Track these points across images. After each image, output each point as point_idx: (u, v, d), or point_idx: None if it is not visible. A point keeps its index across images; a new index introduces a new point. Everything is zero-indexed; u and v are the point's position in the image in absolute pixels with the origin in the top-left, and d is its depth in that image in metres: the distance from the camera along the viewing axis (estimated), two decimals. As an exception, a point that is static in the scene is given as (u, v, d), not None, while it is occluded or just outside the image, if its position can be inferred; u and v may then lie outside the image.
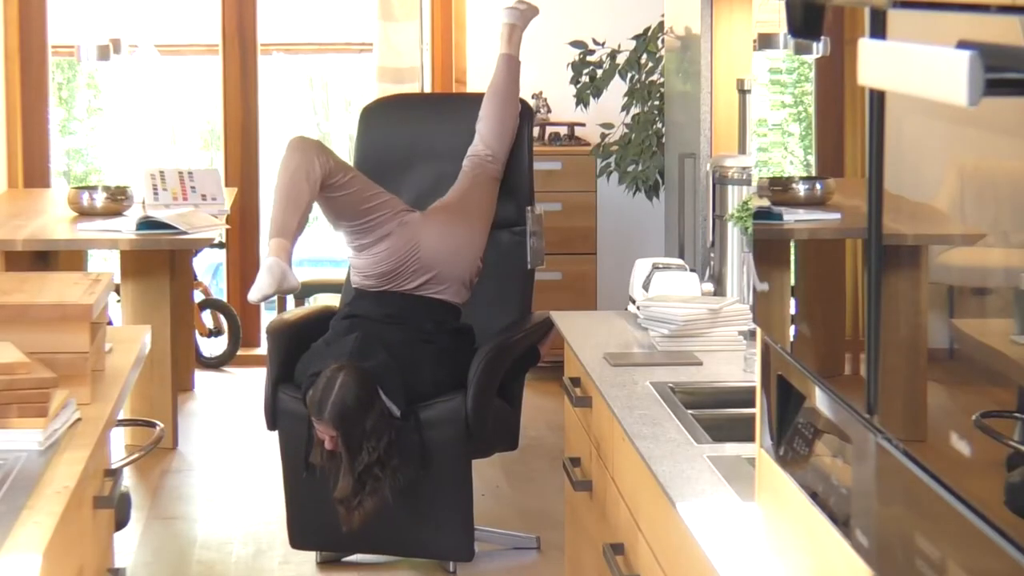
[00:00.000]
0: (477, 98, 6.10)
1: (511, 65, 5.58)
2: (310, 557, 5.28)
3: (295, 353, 5.12)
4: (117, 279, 6.57)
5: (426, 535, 5.05)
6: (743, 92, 4.98)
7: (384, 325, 5.03)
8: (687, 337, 3.97)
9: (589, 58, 7.19)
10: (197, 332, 7.94)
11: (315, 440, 4.85)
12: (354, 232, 5.12)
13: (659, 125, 6.70)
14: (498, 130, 5.41)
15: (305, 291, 8.12)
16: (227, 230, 7.45)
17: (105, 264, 8.80)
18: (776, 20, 2.38)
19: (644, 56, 6.94)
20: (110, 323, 4.27)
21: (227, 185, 7.79)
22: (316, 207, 5.12)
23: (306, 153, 5.00)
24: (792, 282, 2.41)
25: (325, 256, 10.20)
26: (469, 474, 5.06)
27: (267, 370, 5.19)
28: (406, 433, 4.87)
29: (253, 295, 4.88)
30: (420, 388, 4.94)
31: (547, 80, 7.96)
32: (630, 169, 6.90)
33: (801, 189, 2.36)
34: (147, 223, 6.32)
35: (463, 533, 5.06)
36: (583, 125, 7.83)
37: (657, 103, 6.74)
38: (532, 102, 7.79)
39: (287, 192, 4.96)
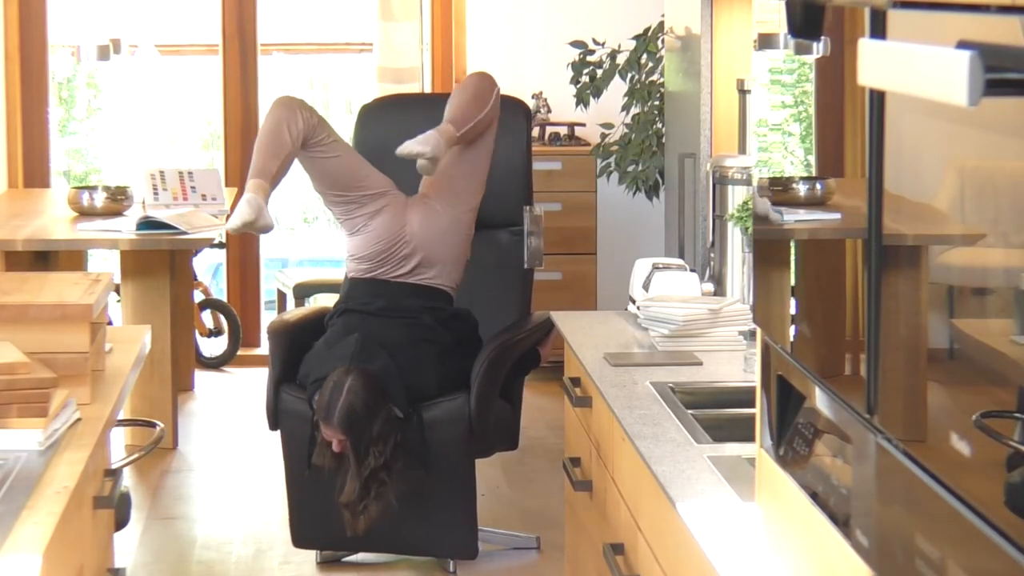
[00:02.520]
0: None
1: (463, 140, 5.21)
2: (310, 557, 5.28)
3: (296, 353, 5.12)
4: (117, 279, 6.57)
5: (430, 534, 5.05)
6: (743, 92, 4.98)
7: (382, 321, 5.02)
8: (687, 337, 3.97)
9: (589, 58, 7.19)
10: (197, 332, 7.94)
11: (320, 441, 4.84)
12: (345, 205, 5.09)
13: (659, 125, 6.70)
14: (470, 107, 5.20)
15: (305, 291, 8.13)
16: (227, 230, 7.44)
17: (105, 264, 8.79)
18: (776, 20, 2.38)
19: (644, 56, 6.94)
20: (110, 323, 4.27)
21: (227, 185, 7.78)
22: (306, 177, 5.12)
23: (290, 109, 5.01)
24: (792, 282, 2.41)
25: (325, 256, 10.20)
26: (472, 473, 5.06)
27: (269, 370, 5.19)
28: (410, 433, 4.87)
29: (232, 223, 4.91)
30: (423, 389, 4.94)
31: (547, 80, 7.96)
32: (630, 169, 6.90)
33: (801, 189, 2.36)
34: (147, 223, 6.32)
35: (467, 531, 5.07)
36: (583, 125, 7.83)
37: (657, 103, 6.74)
38: (532, 102, 7.80)
39: (267, 141, 4.97)
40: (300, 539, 5.16)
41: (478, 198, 5.22)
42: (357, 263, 5.15)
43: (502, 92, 5.36)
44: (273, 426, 5.15)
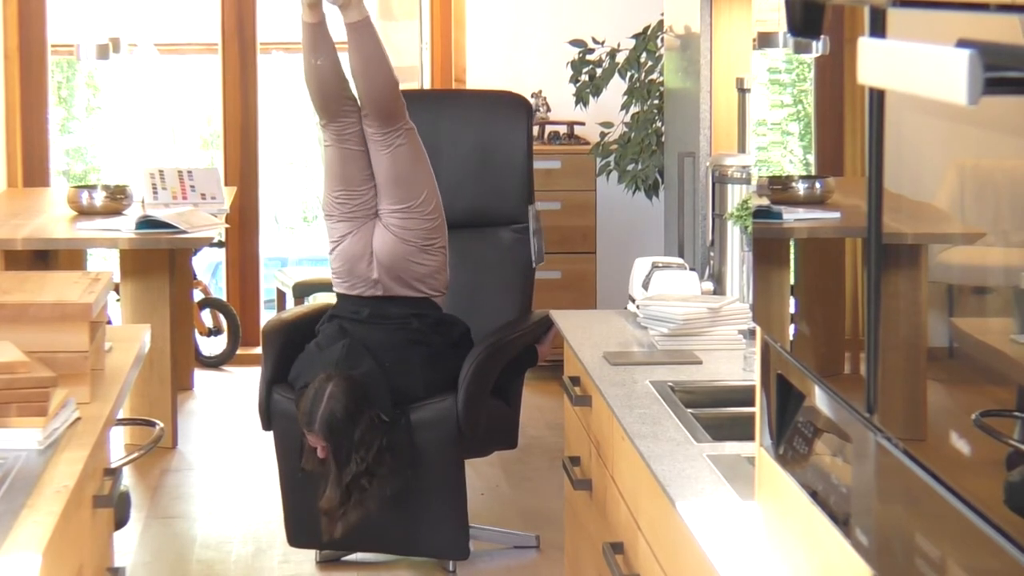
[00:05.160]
0: (477, 96, 6.10)
1: (364, 30, 5.13)
2: (310, 556, 5.28)
3: (290, 353, 5.11)
4: (116, 278, 6.57)
5: (421, 534, 5.05)
6: (743, 91, 4.98)
7: (370, 326, 5.02)
8: (687, 336, 3.97)
9: (589, 57, 7.18)
10: (196, 331, 7.94)
11: (306, 447, 4.85)
12: (339, 208, 5.07)
13: (659, 124, 6.70)
14: (376, 96, 5.05)
15: (304, 290, 8.13)
16: (226, 229, 7.45)
17: (105, 263, 8.80)
18: (776, 19, 2.38)
19: (644, 55, 6.94)
20: (109, 322, 4.27)
21: (226, 184, 7.79)
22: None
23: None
24: (792, 281, 2.41)
25: (325, 255, 10.20)
26: (462, 474, 5.05)
27: (261, 370, 5.19)
28: (396, 435, 4.86)
29: None
30: (411, 390, 4.94)
31: (547, 79, 7.96)
32: (629, 168, 6.90)
33: (801, 188, 2.36)
34: (146, 222, 6.32)
35: (458, 532, 5.06)
36: (583, 124, 7.83)
37: (657, 102, 6.74)
38: (531, 101, 7.80)
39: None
40: (295, 538, 5.16)
41: (429, 205, 5.07)
42: (336, 278, 5.16)
43: (502, 90, 5.37)
44: (266, 426, 5.15)
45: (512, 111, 5.70)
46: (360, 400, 4.77)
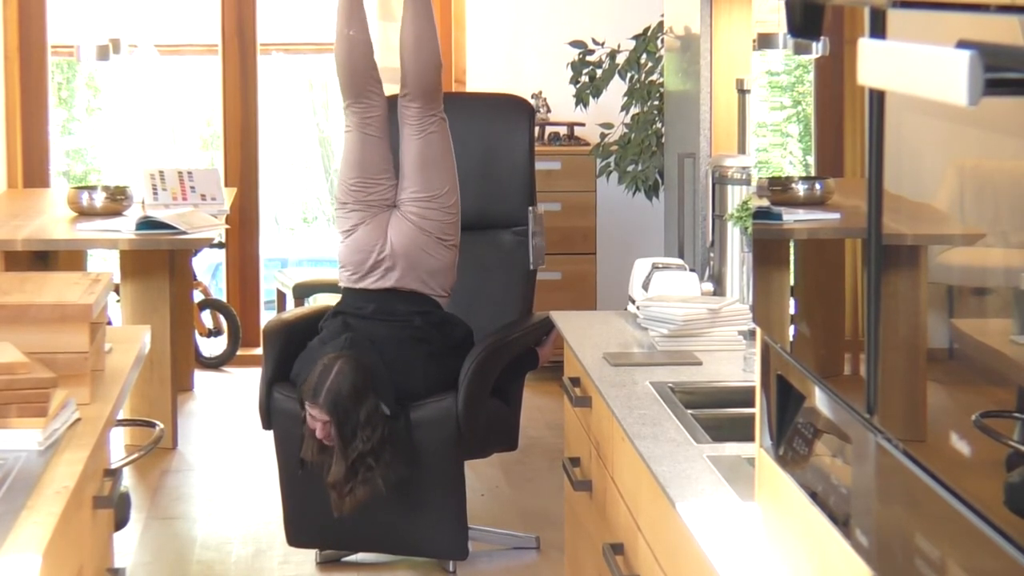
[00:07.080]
0: (479, 98, 6.09)
1: (422, 2, 5.19)
2: (310, 557, 5.28)
3: (291, 353, 5.12)
4: (117, 279, 6.57)
5: (420, 534, 5.05)
6: (743, 92, 4.98)
7: (374, 322, 5.03)
8: (687, 337, 3.97)
9: (589, 58, 7.19)
10: (196, 332, 7.94)
11: (306, 433, 4.84)
12: (352, 196, 5.08)
13: (659, 125, 6.70)
14: (423, 71, 5.14)
15: (304, 291, 8.13)
16: (226, 230, 7.45)
17: (105, 264, 8.80)
18: (776, 20, 2.38)
19: (644, 56, 6.94)
20: (110, 323, 4.27)
21: (226, 185, 7.79)
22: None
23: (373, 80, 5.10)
24: (792, 282, 2.41)
25: (325, 256, 10.21)
26: (461, 474, 5.05)
27: (262, 369, 5.19)
28: (397, 431, 4.86)
29: None
30: (412, 388, 4.94)
31: (547, 80, 7.96)
32: (630, 169, 6.90)
33: (800, 189, 2.36)
34: (146, 223, 6.32)
35: (456, 532, 5.06)
36: (583, 125, 7.83)
37: (657, 103, 6.74)
38: (532, 102, 7.80)
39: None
40: (294, 538, 5.17)
41: (451, 198, 5.11)
42: (345, 272, 5.16)
43: (502, 92, 5.37)
44: (266, 425, 5.16)
45: (514, 114, 5.70)
46: (366, 382, 4.77)
